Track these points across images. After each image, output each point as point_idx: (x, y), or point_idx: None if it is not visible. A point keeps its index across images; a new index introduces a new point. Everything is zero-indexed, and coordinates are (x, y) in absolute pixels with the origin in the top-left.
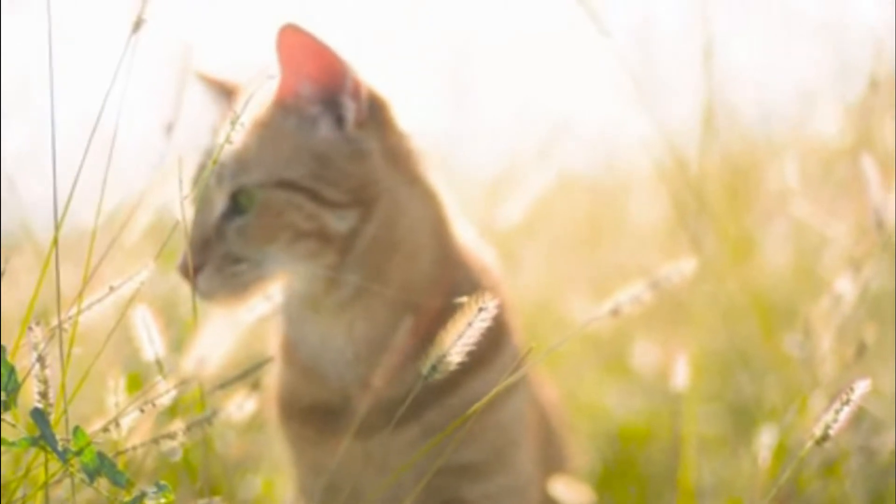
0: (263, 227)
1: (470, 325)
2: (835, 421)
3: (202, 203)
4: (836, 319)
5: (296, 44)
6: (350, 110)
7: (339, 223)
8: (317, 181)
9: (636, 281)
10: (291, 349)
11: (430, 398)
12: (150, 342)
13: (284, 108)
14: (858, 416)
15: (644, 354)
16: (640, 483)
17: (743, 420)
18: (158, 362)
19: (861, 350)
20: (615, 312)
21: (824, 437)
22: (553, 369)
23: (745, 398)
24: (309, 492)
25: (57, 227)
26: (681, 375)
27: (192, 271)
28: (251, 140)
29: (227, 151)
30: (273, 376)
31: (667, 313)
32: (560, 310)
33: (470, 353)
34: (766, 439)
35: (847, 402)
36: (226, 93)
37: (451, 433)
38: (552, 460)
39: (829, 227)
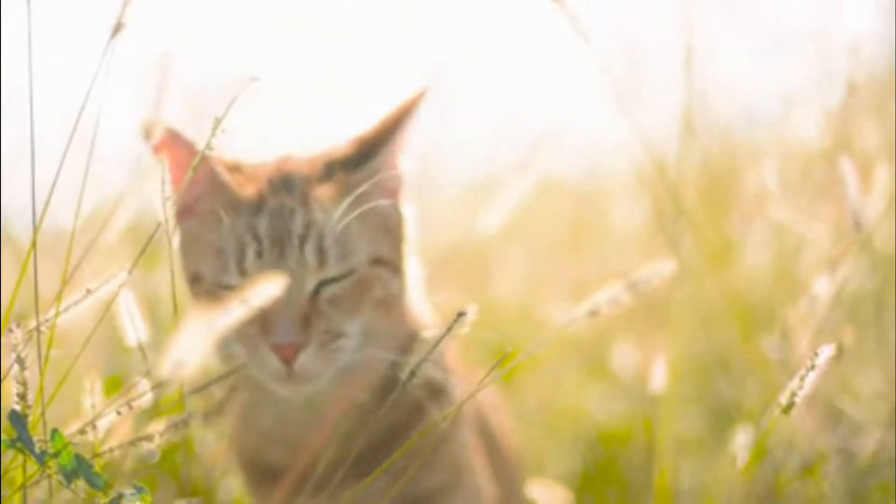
0: (354, 300)
1: (449, 330)
2: (800, 388)
3: (292, 281)
4: (814, 321)
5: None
6: (400, 182)
7: (396, 288)
8: (393, 252)
9: (615, 283)
10: (252, 414)
11: (386, 453)
12: (134, 328)
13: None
14: (836, 418)
15: (623, 357)
16: (619, 485)
17: (722, 422)
18: (141, 348)
19: (839, 352)
20: (593, 313)
21: (790, 405)
22: (533, 372)
23: (724, 400)
24: None
25: (35, 230)
26: (659, 378)
27: (291, 351)
28: (352, 223)
29: (331, 233)
30: (232, 428)
31: (646, 316)
32: (540, 314)
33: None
34: (742, 440)
35: (812, 368)
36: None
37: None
38: (504, 482)
39: (808, 230)
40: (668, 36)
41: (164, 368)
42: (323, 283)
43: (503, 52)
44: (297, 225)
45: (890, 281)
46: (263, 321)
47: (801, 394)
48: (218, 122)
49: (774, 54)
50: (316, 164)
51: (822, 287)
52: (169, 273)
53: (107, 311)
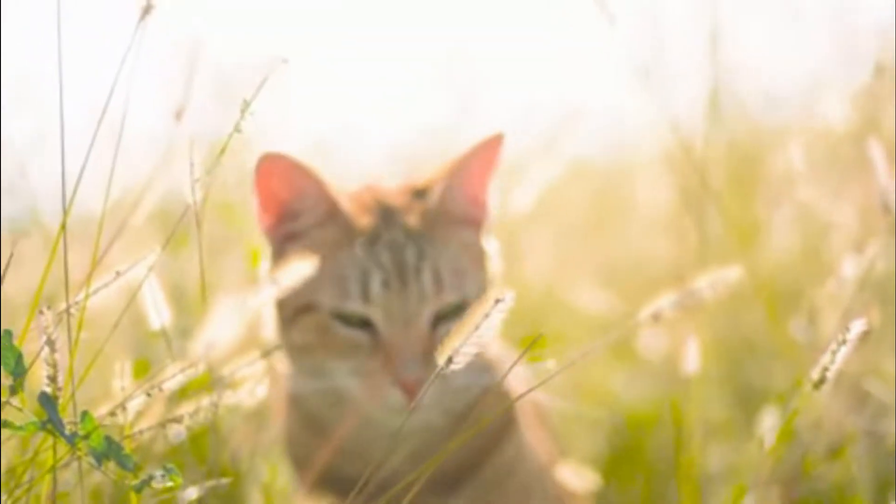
0: None
1: (487, 316)
2: (832, 363)
3: (413, 314)
4: (841, 303)
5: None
6: (485, 217)
7: None
8: (487, 284)
9: (678, 289)
10: (320, 427)
11: (464, 474)
12: (158, 312)
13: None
14: (864, 400)
15: (651, 340)
16: (647, 469)
17: (749, 405)
18: (165, 331)
19: (866, 333)
20: (656, 317)
21: (822, 380)
22: (561, 355)
23: (752, 383)
24: None
25: (65, 213)
26: (692, 360)
27: (416, 387)
28: (459, 253)
29: (444, 263)
30: (292, 432)
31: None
32: (567, 296)
33: (485, 436)
34: (770, 422)
35: (843, 343)
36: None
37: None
38: None
39: (836, 212)
40: (693, 17)
41: (195, 350)
42: (438, 316)
43: (530, 34)
44: (412, 256)
45: None
46: (386, 356)
47: (833, 369)
48: (247, 104)
49: (800, 35)
50: (405, 193)
51: (849, 269)
52: (197, 256)
53: (136, 295)
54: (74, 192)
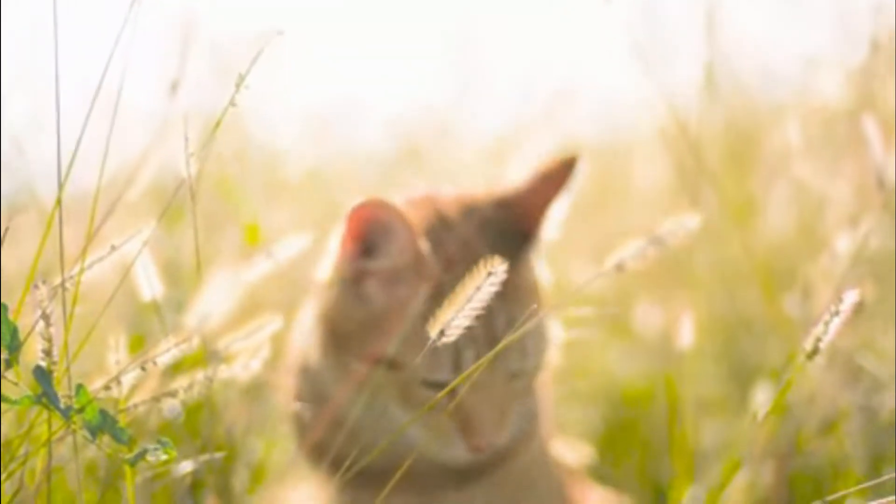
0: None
1: (478, 289)
2: (824, 334)
3: (493, 385)
4: (835, 278)
5: None
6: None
7: None
8: None
9: (640, 238)
10: (346, 427)
11: (488, 467)
12: (150, 286)
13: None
14: (857, 376)
15: (646, 316)
16: (642, 445)
17: (744, 381)
18: (156, 304)
19: (859, 308)
20: (620, 268)
21: (814, 352)
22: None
23: (746, 359)
24: None
25: (60, 187)
26: (686, 336)
27: (487, 447)
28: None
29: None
30: (307, 422)
31: (668, 275)
32: (564, 273)
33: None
34: (763, 397)
35: (836, 314)
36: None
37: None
38: None
39: (831, 188)
40: None
41: (190, 323)
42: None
43: (528, 12)
44: (501, 325)
45: None
46: (464, 420)
47: (826, 340)
48: (242, 78)
49: (797, 13)
50: (483, 229)
51: (843, 244)
52: (192, 231)
53: (130, 269)
54: (69, 167)
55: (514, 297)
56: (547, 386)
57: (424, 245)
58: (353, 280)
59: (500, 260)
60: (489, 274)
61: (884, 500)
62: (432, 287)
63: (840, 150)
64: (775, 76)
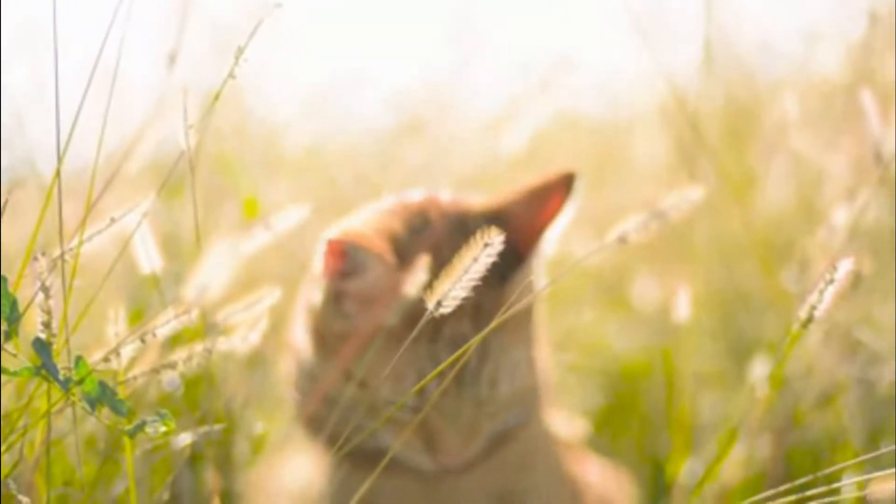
0: (511, 397)
1: (475, 260)
2: (819, 302)
3: (460, 415)
4: (832, 252)
5: None
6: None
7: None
8: (533, 331)
9: (641, 211)
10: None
11: (491, 445)
12: (149, 259)
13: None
14: (855, 349)
15: (644, 291)
16: (640, 418)
17: (742, 355)
18: (155, 277)
19: (856, 281)
20: (622, 240)
21: (809, 320)
22: (555, 306)
23: (745, 333)
24: None
25: (59, 159)
26: (683, 309)
27: (453, 463)
28: (518, 343)
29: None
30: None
31: (667, 249)
32: (563, 247)
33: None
34: (761, 371)
35: (831, 282)
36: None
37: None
38: None
39: (829, 162)
40: None
41: (188, 294)
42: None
43: None
44: (474, 358)
45: None
46: (428, 439)
47: (821, 309)
48: (241, 50)
49: None
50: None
51: (841, 218)
52: (191, 205)
53: (129, 242)
54: (68, 140)
55: (496, 332)
56: (547, 360)
57: (395, 268)
58: (334, 297)
59: (485, 281)
60: (485, 245)
61: (881, 473)
62: (404, 309)
63: (838, 124)
64: (774, 51)
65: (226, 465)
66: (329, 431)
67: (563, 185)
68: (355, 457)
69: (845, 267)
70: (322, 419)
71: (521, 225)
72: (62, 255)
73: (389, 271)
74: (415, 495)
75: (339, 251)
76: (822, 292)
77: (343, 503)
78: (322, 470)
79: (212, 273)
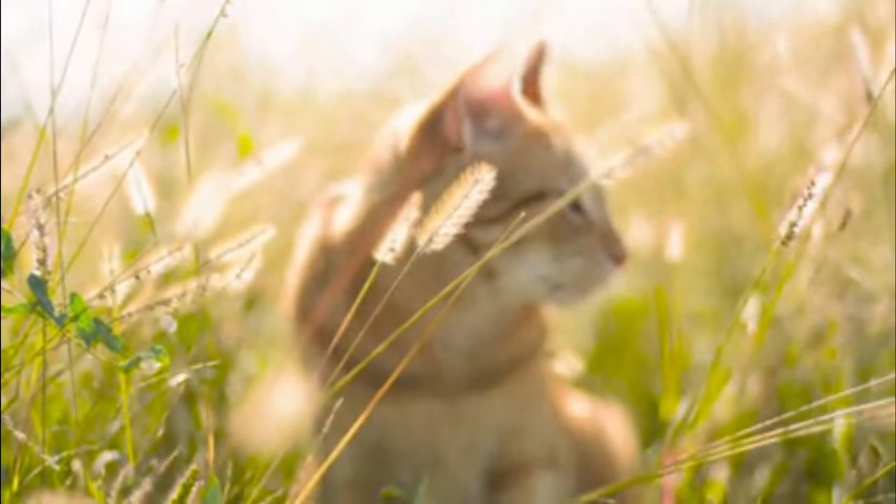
0: None
1: (466, 197)
2: (799, 217)
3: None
4: (822, 191)
5: None
6: None
7: None
8: None
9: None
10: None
11: (505, 372)
12: (142, 197)
13: None
14: (846, 288)
15: (638, 232)
16: (635, 357)
17: (735, 296)
18: (149, 216)
19: (846, 219)
20: (608, 175)
21: (790, 236)
22: None
23: (737, 275)
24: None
25: (53, 95)
26: (675, 247)
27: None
28: None
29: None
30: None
31: (660, 190)
32: None
33: (526, 346)
34: (752, 310)
35: (810, 197)
36: None
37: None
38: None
39: (820, 101)
40: None
41: (181, 227)
42: None
43: None
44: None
45: None
46: (602, 238)
47: (801, 225)
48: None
49: None
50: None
51: (831, 156)
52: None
53: (123, 180)
54: (62, 80)
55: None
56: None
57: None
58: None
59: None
60: (476, 181)
61: (868, 406)
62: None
63: (829, 64)
64: None
65: (220, 403)
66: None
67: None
68: (368, 378)
69: (822, 182)
70: (333, 330)
71: None
72: (57, 192)
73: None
74: (425, 424)
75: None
76: (801, 208)
77: (361, 429)
78: (326, 395)
79: (203, 208)
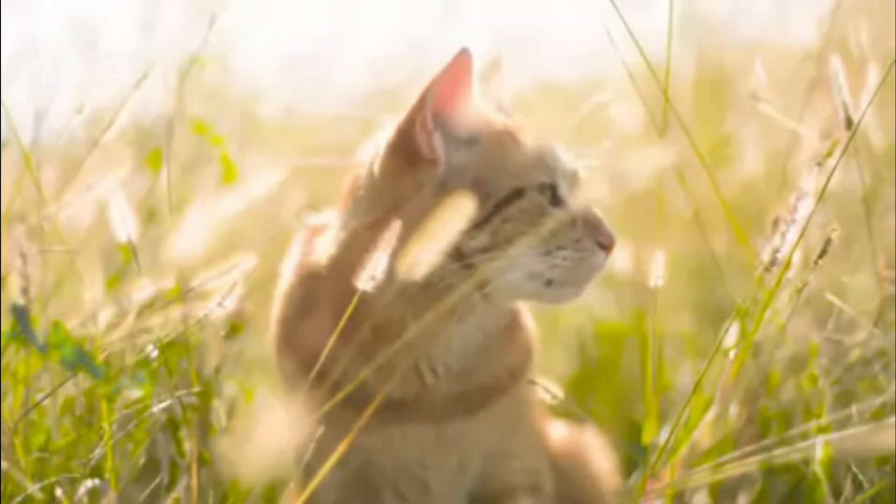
0: None
1: (445, 226)
2: (782, 244)
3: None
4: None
5: None
6: None
7: None
8: None
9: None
10: (378, 345)
11: (491, 395)
12: (125, 225)
13: None
14: (827, 314)
15: (620, 256)
16: (616, 381)
17: (717, 320)
18: (131, 244)
19: (826, 247)
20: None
21: (772, 262)
22: None
23: (718, 299)
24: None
25: (37, 123)
26: (657, 273)
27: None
28: None
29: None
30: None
31: (641, 216)
32: None
33: (511, 368)
34: (734, 335)
35: (792, 223)
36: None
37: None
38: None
39: (800, 127)
40: None
41: (164, 259)
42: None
43: None
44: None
45: (879, 178)
46: (586, 227)
47: (784, 251)
48: (214, 17)
49: None
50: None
51: (811, 183)
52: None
53: (106, 209)
54: (46, 106)
55: None
56: (532, 330)
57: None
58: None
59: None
60: (457, 211)
61: (848, 433)
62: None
63: (810, 90)
64: (746, 17)
65: (203, 430)
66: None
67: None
68: (354, 404)
69: (805, 208)
70: (317, 356)
71: None
72: (41, 221)
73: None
74: (412, 448)
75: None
76: (783, 234)
77: (347, 454)
78: (313, 423)
79: (188, 240)
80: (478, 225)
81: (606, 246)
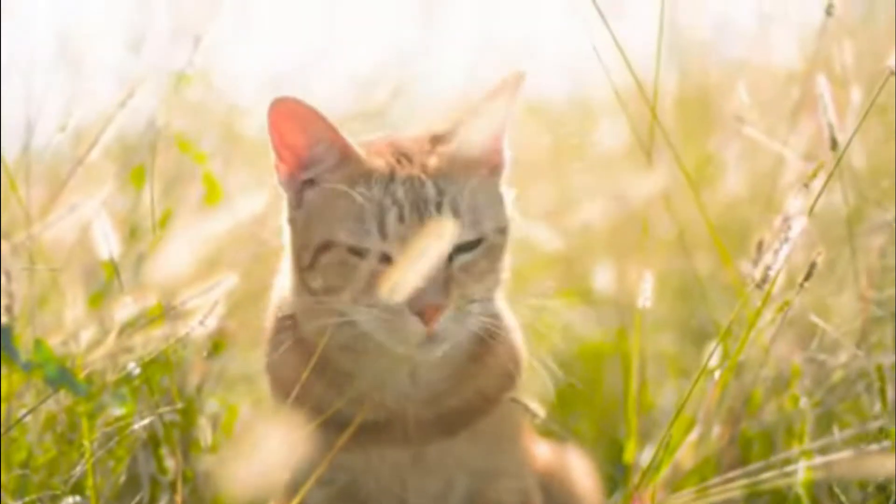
0: (481, 267)
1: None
2: (774, 261)
3: (427, 249)
4: (788, 239)
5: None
6: (501, 163)
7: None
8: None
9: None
10: (342, 375)
11: (470, 416)
12: (107, 244)
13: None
14: (810, 335)
15: (605, 277)
16: (599, 401)
17: (700, 342)
18: (113, 263)
19: (811, 270)
20: (584, 226)
21: (764, 280)
22: (518, 291)
23: (704, 320)
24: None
25: (24, 150)
26: (646, 294)
27: (435, 314)
28: (476, 191)
29: (462, 199)
30: (297, 389)
31: (627, 236)
32: (523, 233)
33: (483, 391)
34: (718, 356)
35: (786, 241)
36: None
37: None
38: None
39: (785, 148)
40: None
41: (152, 275)
42: (457, 250)
43: None
44: (431, 192)
45: (863, 199)
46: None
47: (775, 268)
48: (199, 38)
49: None
50: (422, 140)
51: (796, 205)
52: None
53: (89, 227)
54: (32, 124)
55: (449, 178)
56: (519, 350)
57: (345, 135)
58: (297, 191)
59: (439, 157)
60: (439, 236)
61: (832, 458)
62: (364, 172)
63: (795, 111)
64: (732, 36)
65: (185, 447)
66: (316, 398)
67: (513, 81)
68: (333, 426)
69: (799, 226)
70: (308, 385)
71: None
72: (24, 241)
73: (344, 142)
74: (392, 470)
75: (291, 116)
76: (776, 252)
77: (334, 474)
78: (302, 443)
79: (171, 258)
80: (306, 267)
81: (424, 314)
